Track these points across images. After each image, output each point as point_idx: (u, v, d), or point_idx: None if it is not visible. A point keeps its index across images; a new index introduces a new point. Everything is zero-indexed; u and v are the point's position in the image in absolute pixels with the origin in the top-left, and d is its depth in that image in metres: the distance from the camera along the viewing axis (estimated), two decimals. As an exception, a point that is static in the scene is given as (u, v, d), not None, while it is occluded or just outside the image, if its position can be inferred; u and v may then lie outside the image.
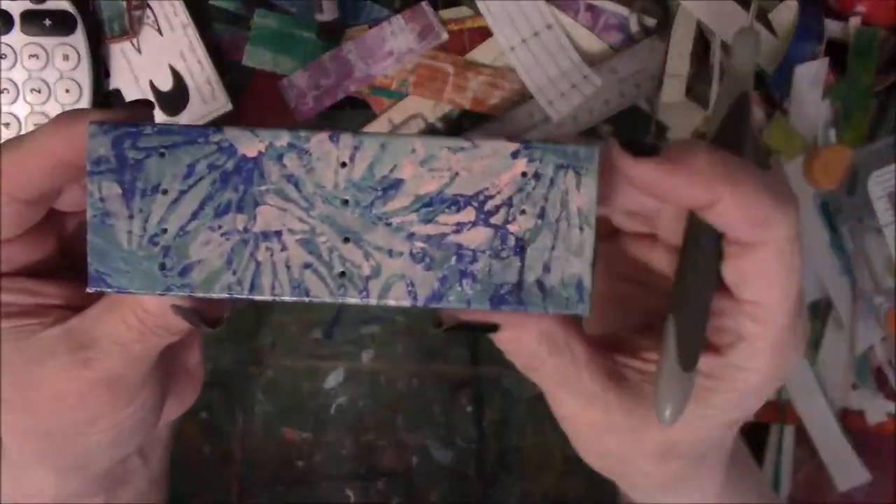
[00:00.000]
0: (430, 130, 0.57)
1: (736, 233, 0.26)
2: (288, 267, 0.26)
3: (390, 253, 0.26)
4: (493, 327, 0.28)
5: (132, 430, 0.33)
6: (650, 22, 0.56)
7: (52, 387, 0.30)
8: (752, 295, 0.27)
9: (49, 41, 0.53)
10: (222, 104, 0.55)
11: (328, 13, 0.53)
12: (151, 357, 0.31)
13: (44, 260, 0.32)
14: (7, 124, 0.53)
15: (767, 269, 0.26)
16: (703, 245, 0.27)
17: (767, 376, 0.28)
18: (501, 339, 0.28)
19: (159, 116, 0.55)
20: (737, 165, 0.26)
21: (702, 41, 0.56)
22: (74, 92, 0.53)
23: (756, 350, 0.27)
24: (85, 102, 0.53)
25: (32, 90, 0.53)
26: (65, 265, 0.32)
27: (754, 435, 0.58)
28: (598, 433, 0.29)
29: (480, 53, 0.56)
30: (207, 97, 0.55)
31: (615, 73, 0.55)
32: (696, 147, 0.26)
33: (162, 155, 0.26)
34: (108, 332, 0.29)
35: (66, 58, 0.53)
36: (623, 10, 0.56)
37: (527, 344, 0.28)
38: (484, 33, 0.56)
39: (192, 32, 0.54)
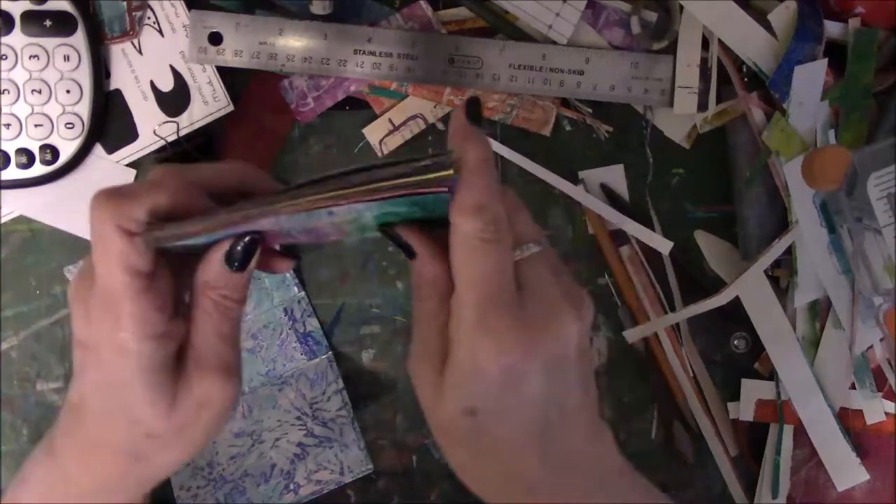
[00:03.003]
0: (430, 130, 0.57)
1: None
2: None
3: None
4: (412, 253, 0.35)
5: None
6: (650, 17, 0.56)
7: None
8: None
9: (49, 42, 0.53)
10: (223, 104, 0.55)
11: (322, 8, 0.54)
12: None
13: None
14: (8, 125, 0.53)
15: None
16: None
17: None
18: (414, 264, 0.36)
19: (160, 116, 0.55)
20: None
21: (702, 43, 0.56)
22: (75, 92, 0.53)
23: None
24: (85, 103, 0.53)
25: (33, 91, 0.53)
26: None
27: (754, 435, 0.58)
28: (417, 378, 0.36)
29: (480, 54, 0.56)
30: (208, 97, 0.55)
31: (636, 67, 0.55)
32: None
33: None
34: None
35: (66, 58, 0.53)
36: (624, 6, 0.56)
37: (422, 277, 0.36)
38: (484, 33, 0.56)
39: (193, 33, 0.54)
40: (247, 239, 0.35)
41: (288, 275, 0.56)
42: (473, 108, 0.35)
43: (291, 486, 0.56)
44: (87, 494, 0.39)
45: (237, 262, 0.36)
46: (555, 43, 0.56)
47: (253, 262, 0.36)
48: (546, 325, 0.34)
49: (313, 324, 0.57)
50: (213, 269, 0.36)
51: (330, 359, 0.57)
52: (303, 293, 0.57)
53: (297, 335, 0.56)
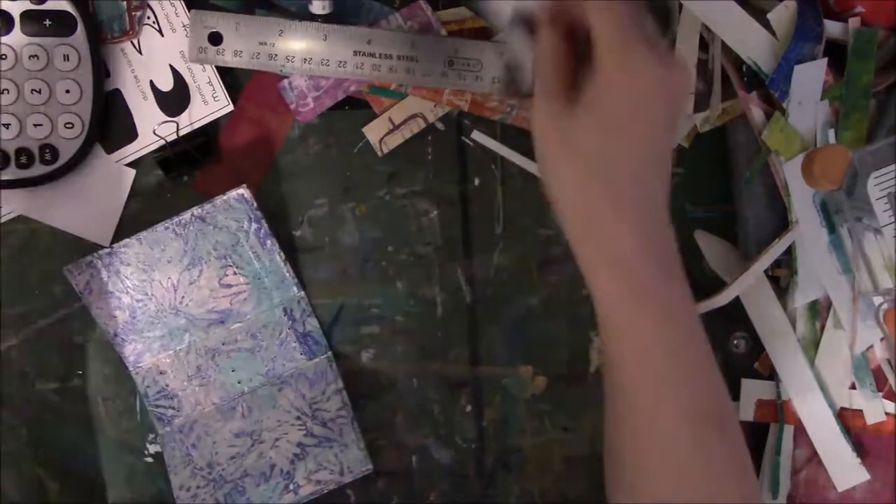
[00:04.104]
0: (430, 130, 0.57)
1: None
2: None
3: None
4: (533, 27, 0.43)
5: None
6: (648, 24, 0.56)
7: None
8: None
9: (49, 41, 0.53)
10: (223, 104, 0.55)
11: (322, 8, 0.54)
12: None
13: None
14: (8, 125, 0.53)
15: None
16: None
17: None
18: (538, 37, 0.43)
19: (159, 116, 0.55)
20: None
21: (701, 44, 0.56)
22: (75, 92, 0.53)
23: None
24: (85, 102, 0.53)
25: (33, 91, 0.53)
26: None
27: (754, 435, 0.58)
28: (538, 126, 0.42)
29: (480, 54, 0.56)
30: (208, 97, 0.55)
31: None
32: None
33: None
34: None
35: (66, 58, 0.53)
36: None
37: (543, 45, 0.42)
38: (484, 33, 0.56)
39: (193, 33, 0.54)
40: None
41: (287, 274, 0.56)
42: None
43: (291, 486, 0.56)
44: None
45: None
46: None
47: None
48: (675, 65, 0.40)
49: (313, 324, 0.57)
50: None
51: (329, 359, 0.57)
52: (302, 293, 0.57)
53: (296, 335, 0.56)
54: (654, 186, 0.41)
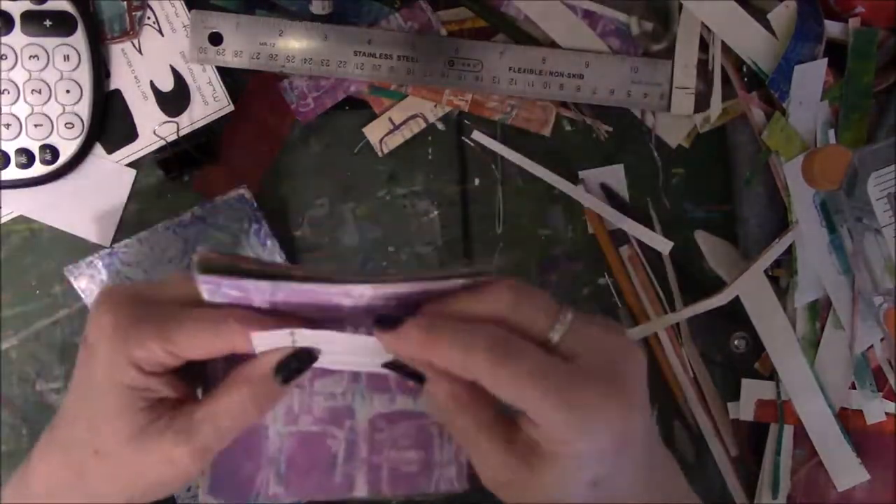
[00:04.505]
0: (430, 130, 0.57)
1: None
2: None
3: None
4: (421, 378, 0.34)
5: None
6: (647, 27, 0.56)
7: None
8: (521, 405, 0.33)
9: (49, 42, 0.53)
10: (223, 105, 0.55)
11: (322, 8, 0.54)
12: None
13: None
14: (8, 125, 0.53)
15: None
16: None
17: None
18: (425, 391, 0.34)
19: (160, 116, 0.55)
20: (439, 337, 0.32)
21: (701, 44, 0.56)
22: (75, 92, 0.53)
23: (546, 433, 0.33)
24: (85, 103, 0.53)
25: (33, 91, 0.53)
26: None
27: (754, 435, 0.58)
28: (493, 486, 0.35)
29: (480, 54, 0.56)
30: (208, 97, 0.55)
31: (636, 71, 0.56)
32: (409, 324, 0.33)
33: None
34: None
35: (66, 58, 0.53)
36: (620, 16, 0.56)
37: (441, 399, 0.34)
38: (484, 33, 0.56)
39: (193, 33, 0.54)
40: (304, 353, 0.35)
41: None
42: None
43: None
44: (33, 496, 0.38)
45: (286, 374, 0.35)
46: (555, 46, 0.56)
47: (298, 379, 0.35)
48: (621, 371, 0.34)
49: (313, 324, 0.57)
50: (259, 370, 0.35)
51: (330, 359, 0.57)
52: (303, 293, 0.56)
53: (296, 335, 0.56)
54: (666, 475, 0.37)
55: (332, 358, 0.36)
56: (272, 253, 0.55)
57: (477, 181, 0.57)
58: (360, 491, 0.40)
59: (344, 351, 0.36)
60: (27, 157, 0.53)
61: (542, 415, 0.32)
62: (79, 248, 0.55)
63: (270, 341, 0.35)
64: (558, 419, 0.32)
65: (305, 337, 0.35)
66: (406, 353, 0.34)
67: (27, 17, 0.52)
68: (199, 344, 0.35)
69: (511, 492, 0.34)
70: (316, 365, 0.36)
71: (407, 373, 0.35)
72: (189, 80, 0.55)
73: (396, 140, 0.57)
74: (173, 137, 0.55)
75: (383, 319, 0.33)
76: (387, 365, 0.36)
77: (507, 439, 0.34)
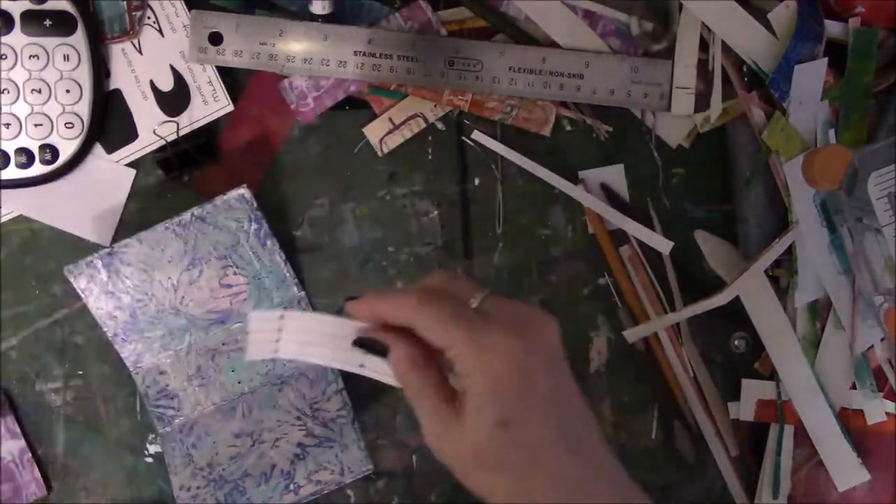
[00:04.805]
0: (430, 129, 0.57)
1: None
2: None
3: None
4: (384, 352, 0.39)
5: None
6: (647, 27, 0.56)
7: None
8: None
9: (49, 41, 0.53)
10: (223, 104, 0.55)
11: (322, 8, 0.54)
12: None
13: None
14: (8, 125, 0.53)
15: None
16: None
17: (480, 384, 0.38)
18: (389, 360, 0.40)
19: (159, 116, 0.55)
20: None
21: (701, 44, 0.56)
22: (75, 92, 0.53)
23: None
24: (85, 102, 0.53)
25: (33, 90, 0.53)
26: None
27: (754, 435, 0.58)
28: (432, 440, 0.40)
29: (480, 54, 0.56)
30: (208, 97, 0.55)
31: (636, 71, 0.55)
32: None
33: None
34: None
35: (66, 58, 0.53)
36: (620, 16, 0.56)
37: (401, 364, 0.39)
38: (484, 33, 0.56)
39: (193, 33, 0.54)
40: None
41: (288, 274, 0.56)
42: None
43: (291, 487, 0.56)
44: None
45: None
46: (555, 46, 0.56)
47: None
48: (528, 327, 0.39)
49: (313, 324, 0.57)
50: None
51: (330, 359, 0.57)
52: (303, 293, 0.56)
53: (296, 335, 0.56)
54: (583, 431, 0.39)
55: (315, 350, 0.41)
56: (272, 253, 0.55)
57: (477, 181, 0.57)
58: None
59: (323, 332, 0.41)
60: (27, 156, 0.53)
61: (455, 350, 0.37)
62: (79, 248, 0.55)
63: (263, 320, 0.41)
64: (467, 353, 0.37)
65: (293, 317, 0.41)
66: (364, 311, 0.40)
67: (27, 16, 0.52)
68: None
69: (444, 445, 0.39)
70: (301, 358, 0.41)
71: (373, 349, 0.40)
72: (189, 79, 0.55)
73: (396, 140, 0.57)
74: (173, 137, 0.55)
75: (350, 297, 0.41)
76: (356, 342, 0.40)
77: (446, 396, 0.39)
